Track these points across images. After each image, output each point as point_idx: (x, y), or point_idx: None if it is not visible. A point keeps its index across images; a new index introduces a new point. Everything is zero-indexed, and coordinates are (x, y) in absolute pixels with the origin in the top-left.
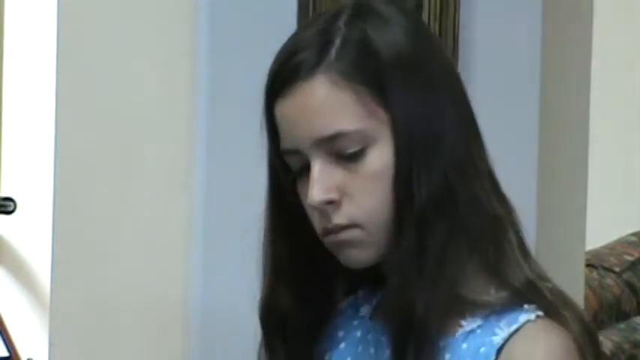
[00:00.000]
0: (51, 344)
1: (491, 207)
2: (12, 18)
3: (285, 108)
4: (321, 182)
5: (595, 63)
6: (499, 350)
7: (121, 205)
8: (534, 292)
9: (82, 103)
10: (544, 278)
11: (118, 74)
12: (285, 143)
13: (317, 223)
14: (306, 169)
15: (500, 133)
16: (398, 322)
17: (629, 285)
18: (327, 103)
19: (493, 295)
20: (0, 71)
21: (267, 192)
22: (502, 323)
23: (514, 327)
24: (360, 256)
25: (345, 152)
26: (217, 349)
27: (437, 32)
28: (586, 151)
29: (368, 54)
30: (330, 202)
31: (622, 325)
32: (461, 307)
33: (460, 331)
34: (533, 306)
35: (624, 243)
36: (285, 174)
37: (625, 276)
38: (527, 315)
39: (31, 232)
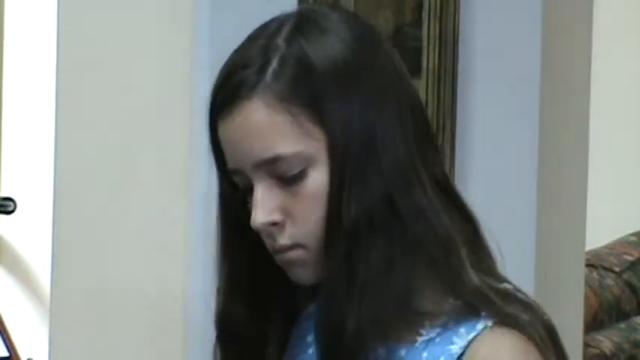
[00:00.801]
0: (51, 344)
1: (438, 219)
2: (12, 18)
3: (226, 129)
4: (263, 205)
5: (595, 63)
6: (458, 359)
7: (121, 205)
8: (487, 301)
9: (82, 103)
10: (501, 281)
11: (118, 74)
12: (229, 164)
13: (266, 242)
14: (251, 188)
15: (501, 133)
16: (327, 340)
17: (629, 285)
18: (264, 127)
19: (450, 304)
20: (0, 71)
21: (218, 209)
22: (460, 331)
23: (472, 335)
24: (306, 274)
25: (285, 175)
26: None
27: (437, 32)
28: (586, 151)
29: (305, 73)
30: (274, 224)
31: (622, 325)
32: (416, 318)
33: (420, 340)
34: (491, 312)
35: (624, 243)
36: (234, 191)
37: (625, 276)
38: (485, 322)
39: (31, 232)
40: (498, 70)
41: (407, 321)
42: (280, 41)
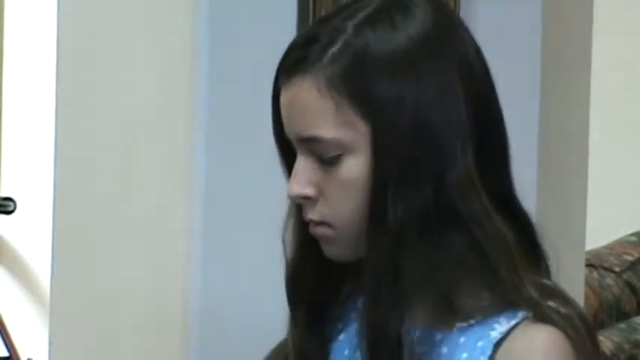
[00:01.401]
0: (51, 344)
1: (490, 227)
2: (12, 18)
3: (283, 98)
4: (300, 177)
5: (595, 63)
6: (497, 344)
7: (121, 205)
8: (528, 294)
9: (82, 103)
10: (544, 281)
11: (118, 74)
12: (285, 129)
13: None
14: None
15: None
16: (370, 339)
17: (629, 285)
18: (309, 107)
19: (490, 299)
20: (0, 71)
21: (285, 175)
22: (501, 319)
23: (513, 322)
24: (333, 251)
25: (322, 156)
26: (217, 349)
27: None
28: (586, 151)
29: (360, 65)
30: (306, 198)
31: (622, 325)
32: (454, 316)
33: (457, 326)
34: (530, 306)
35: (624, 243)
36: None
37: (625, 276)
38: (526, 313)
39: (31, 232)
40: (498, 69)
41: (446, 316)
42: (350, 26)
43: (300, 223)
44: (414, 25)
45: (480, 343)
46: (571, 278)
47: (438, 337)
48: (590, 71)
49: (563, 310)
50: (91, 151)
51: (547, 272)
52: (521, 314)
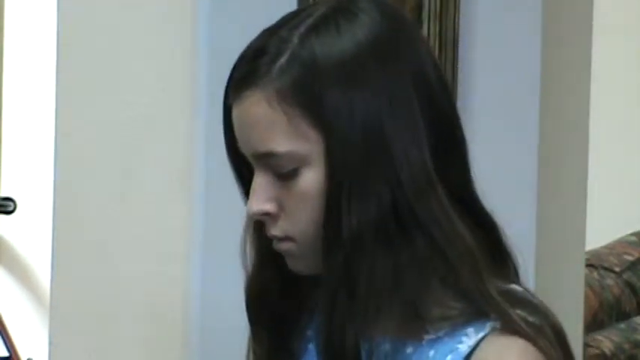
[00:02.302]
0: (51, 344)
1: (450, 228)
2: (12, 18)
3: (234, 114)
4: (259, 194)
5: (595, 63)
6: (466, 358)
7: (121, 205)
8: (496, 304)
9: (82, 103)
10: (510, 283)
11: (118, 74)
12: (239, 146)
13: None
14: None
15: (501, 133)
16: (329, 352)
17: (629, 285)
18: (261, 121)
19: (459, 307)
20: (0, 71)
21: (238, 186)
22: (469, 331)
23: (481, 334)
24: (298, 265)
25: (279, 170)
26: (217, 349)
27: (437, 32)
28: (586, 151)
29: (308, 75)
30: (267, 214)
31: (622, 325)
32: (422, 323)
33: (426, 338)
34: (498, 316)
35: (624, 243)
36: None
37: (625, 276)
38: (494, 323)
39: (31, 232)
40: (498, 69)
41: (413, 326)
42: (296, 37)
43: (260, 238)
44: (360, 31)
45: (449, 357)
46: (571, 278)
47: (409, 349)
48: (590, 71)
49: (531, 318)
50: (91, 151)
51: (515, 275)
52: (489, 325)
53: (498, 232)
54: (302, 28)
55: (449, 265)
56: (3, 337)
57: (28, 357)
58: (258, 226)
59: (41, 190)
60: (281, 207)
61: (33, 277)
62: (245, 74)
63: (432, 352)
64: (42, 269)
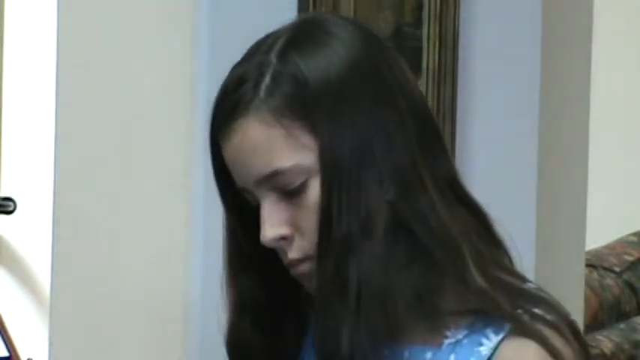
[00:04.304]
0: (51, 344)
1: (443, 222)
2: (12, 18)
3: (227, 149)
4: (271, 220)
5: (595, 63)
6: None
7: (121, 205)
8: (513, 303)
9: (82, 104)
10: (524, 281)
11: (118, 74)
12: (237, 182)
13: (281, 256)
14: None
15: (501, 134)
16: (324, 351)
17: (629, 285)
18: (261, 143)
19: (474, 303)
20: (0, 71)
21: (225, 230)
22: (487, 332)
23: (500, 336)
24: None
25: (287, 188)
26: (217, 349)
27: (437, 32)
28: (586, 151)
29: (297, 87)
30: (283, 239)
31: (622, 325)
32: (440, 319)
33: (446, 342)
34: (517, 312)
35: (624, 243)
36: (241, 209)
37: (625, 276)
38: (512, 323)
39: (31, 232)
40: (498, 70)
41: (427, 327)
42: (273, 56)
43: (239, 280)
44: (336, 41)
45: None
46: (571, 278)
47: (428, 355)
48: (590, 72)
49: (548, 316)
50: (91, 151)
51: (509, 260)
52: (507, 326)
53: (489, 222)
54: (277, 48)
55: (444, 256)
56: (3, 337)
57: (28, 357)
58: (236, 267)
59: (41, 190)
60: (295, 227)
61: (33, 277)
62: (231, 107)
63: (452, 356)
64: (42, 269)
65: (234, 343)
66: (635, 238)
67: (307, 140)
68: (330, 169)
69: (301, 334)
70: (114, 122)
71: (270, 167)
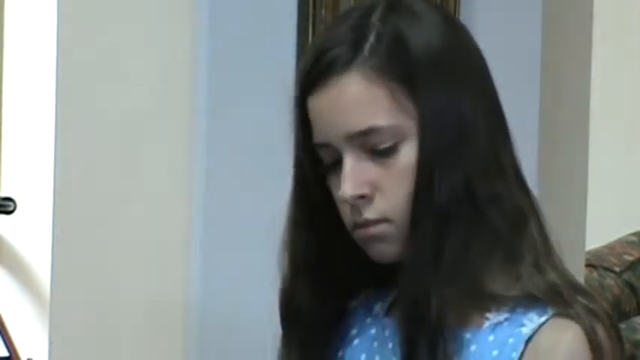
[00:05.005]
0: (51, 344)
1: (515, 206)
2: (12, 18)
3: (319, 102)
4: (353, 177)
5: (595, 63)
6: (527, 341)
7: (121, 205)
8: (558, 291)
9: (82, 103)
10: (565, 274)
11: (118, 74)
12: (318, 137)
13: (347, 217)
14: (338, 163)
15: None
16: (411, 317)
17: (629, 285)
18: (361, 99)
19: (520, 290)
20: (0, 71)
21: (293, 186)
22: (530, 315)
23: (543, 318)
24: (389, 250)
25: (377, 147)
26: (217, 349)
27: None
28: (586, 151)
29: (401, 50)
30: (362, 197)
31: (622, 325)
32: (485, 302)
33: (487, 324)
34: (562, 299)
35: (624, 243)
36: (313, 168)
37: (625, 276)
38: (555, 308)
39: (31, 232)
40: (498, 70)
41: (477, 303)
42: (375, 19)
43: (296, 244)
44: (431, 15)
45: (510, 340)
46: None
47: (468, 335)
48: (590, 72)
49: (592, 306)
50: (91, 151)
51: (555, 253)
52: (550, 310)
53: (541, 214)
54: (377, 12)
55: (513, 241)
56: (3, 337)
57: (28, 357)
58: (297, 231)
59: (41, 190)
60: (376, 188)
61: (33, 277)
62: (328, 63)
63: (491, 337)
64: (42, 269)
65: (286, 303)
66: (635, 238)
67: (407, 104)
68: (430, 137)
69: (348, 298)
70: (114, 122)
71: (366, 124)
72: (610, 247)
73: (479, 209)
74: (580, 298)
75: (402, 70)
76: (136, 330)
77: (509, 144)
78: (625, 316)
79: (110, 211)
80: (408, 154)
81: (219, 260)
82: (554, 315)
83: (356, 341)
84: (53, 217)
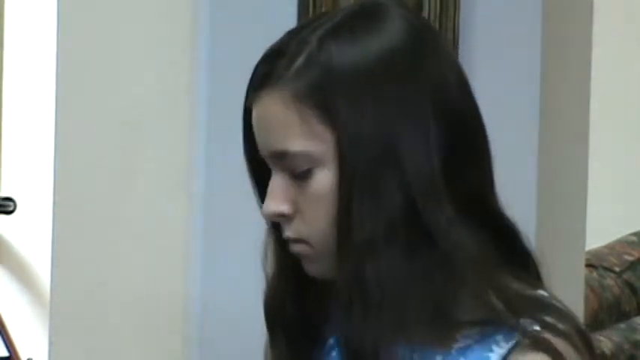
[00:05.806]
0: (51, 344)
1: (459, 233)
2: (12, 18)
3: (253, 114)
4: (275, 194)
5: (595, 62)
6: None
7: (121, 205)
8: (524, 310)
9: (82, 103)
10: (536, 288)
11: (118, 75)
12: (259, 148)
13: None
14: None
15: (500, 133)
16: (350, 354)
17: (629, 285)
18: (277, 121)
19: (485, 312)
20: (0, 71)
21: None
22: (498, 339)
23: (511, 343)
24: (314, 268)
25: (295, 171)
26: (217, 349)
27: None
28: (586, 151)
29: (324, 77)
30: (282, 215)
31: (622, 325)
32: (446, 328)
33: (455, 347)
34: (528, 320)
35: (624, 243)
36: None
37: (625, 276)
38: (523, 331)
39: (31, 232)
40: (498, 69)
41: (438, 332)
42: (315, 39)
43: (279, 241)
44: (379, 40)
45: None
46: (571, 278)
47: (438, 358)
48: (591, 72)
49: (560, 325)
50: (91, 151)
51: (539, 279)
52: (518, 333)
53: (518, 237)
54: (321, 31)
55: (461, 264)
56: (3, 337)
57: (28, 357)
58: (278, 230)
59: (41, 190)
60: (296, 208)
61: (33, 277)
62: (263, 75)
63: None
64: (42, 269)
65: (270, 303)
66: (635, 238)
67: (322, 131)
68: (347, 165)
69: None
70: (114, 122)
71: (280, 146)
72: (610, 247)
73: (417, 238)
74: (547, 318)
75: (320, 99)
76: (136, 330)
77: (467, 169)
78: (625, 316)
79: (110, 211)
80: (323, 180)
81: (219, 260)
82: (520, 342)
83: (334, 353)
84: (53, 217)
